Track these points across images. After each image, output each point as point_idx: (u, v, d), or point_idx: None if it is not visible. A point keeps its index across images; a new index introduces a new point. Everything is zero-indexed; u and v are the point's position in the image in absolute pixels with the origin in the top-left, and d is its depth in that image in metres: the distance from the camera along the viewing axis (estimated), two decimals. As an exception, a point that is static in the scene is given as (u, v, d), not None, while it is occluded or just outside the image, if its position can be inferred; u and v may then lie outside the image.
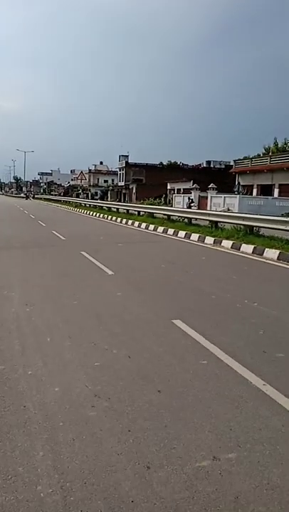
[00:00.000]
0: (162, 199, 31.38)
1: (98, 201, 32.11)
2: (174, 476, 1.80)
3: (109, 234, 12.71)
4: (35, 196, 62.69)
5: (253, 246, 8.39)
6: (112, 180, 57.16)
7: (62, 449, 1.97)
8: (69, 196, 48.35)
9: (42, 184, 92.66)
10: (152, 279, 5.85)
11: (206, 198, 23.25)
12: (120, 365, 2.87)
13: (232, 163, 31.15)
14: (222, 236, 9.95)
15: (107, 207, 23.82)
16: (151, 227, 13.63)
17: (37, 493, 1.70)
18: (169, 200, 31.69)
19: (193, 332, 3.52)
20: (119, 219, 17.39)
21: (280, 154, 26.24)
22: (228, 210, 18.80)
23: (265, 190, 24.70)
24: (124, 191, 45.23)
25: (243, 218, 10.13)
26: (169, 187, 35.77)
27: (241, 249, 8.63)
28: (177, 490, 1.72)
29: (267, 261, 7.55)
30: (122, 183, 46.14)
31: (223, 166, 40.61)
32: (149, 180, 41.07)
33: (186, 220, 13.47)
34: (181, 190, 31.56)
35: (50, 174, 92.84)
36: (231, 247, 8.95)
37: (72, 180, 64.83)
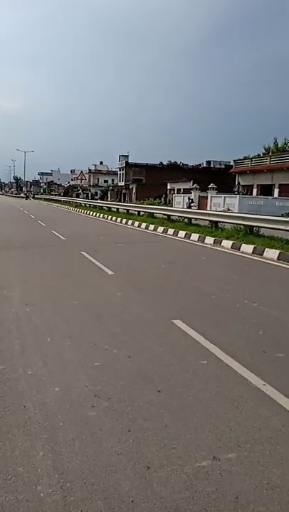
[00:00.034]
0: (162, 199, 31.38)
1: (98, 201, 32.11)
2: (174, 476, 1.80)
3: (109, 234, 12.71)
4: (35, 196, 62.70)
5: (253, 246, 8.39)
6: (112, 180, 57.16)
7: (62, 449, 1.97)
8: (69, 196, 48.35)
9: (42, 184, 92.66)
10: (152, 279, 5.85)
11: (206, 198, 23.25)
12: (120, 365, 2.87)
13: (232, 163, 31.15)
14: (222, 236, 9.95)
15: (107, 207, 23.82)
16: (151, 227, 13.63)
17: (37, 493, 1.70)
18: (169, 200, 31.69)
19: (193, 332, 3.52)
20: (119, 219, 17.39)
21: (280, 154, 26.24)
22: (228, 210, 18.80)
23: (265, 190, 24.70)
24: (124, 191, 45.23)
25: (243, 218, 10.13)
26: (169, 187, 35.78)
27: (241, 249, 8.63)
28: (177, 490, 1.72)
29: (267, 261, 7.55)
30: (122, 183, 46.14)
31: (223, 166, 40.61)
32: (149, 180, 41.08)
33: (186, 220, 13.47)
34: (181, 190, 31.56)
35: (50, 174, 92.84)
36: (231, 247, 8.95)
37: (72, 180, 64.84)
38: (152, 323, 3.81)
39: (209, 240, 10.00)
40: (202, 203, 23.55)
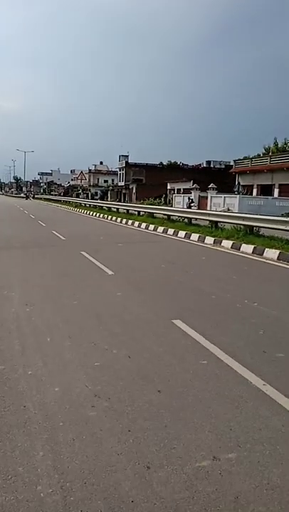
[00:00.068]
0: (162, 199, 31.38)
1: (98, 201, 32.10)
2: (174, 476, 1.80)
3: (109, 234, 12.71)
4: (35, 196, 62.69)
5: (253, 246, 8.39)
6: (112, 180, 57.17)
7: (62, 449, 1.97)
8: (69, 196, 48.34)
9: (42, 184, 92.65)
10: (152, 279, 5.85)
11: (206, 198, 23.25)
12: (120, 365, 2.87)
13: (232, 163, 31.15)
14: (222, 236, 9.95)
15: (107, 207, 23.82)
16: (151, 227, 13.63)
17: (37, 493, 1.70)
18: (169, 200, 31.69)
19: (193, 332, 3.52)
20: (119, 219, 17.39)
21: (280, 154, 26.24)
22: (228, 210, 18.80)
23: (265, 190, 24.70)
24: (124, 191, 45.24)
25: (243, 218, 10.13)
26: (169, 187, 35.78)
27: (241, 249, 8.63)
28: (177, 490, 1.72)
29: (267, 261, 7.55)
30: (122, 183, 46.14)
31: (223, 166, 40.62)
32: (149, 180, 41.08)
33: (186, 220, 13.47)
34: (181, 190, 31.56)
35: (50, 174, 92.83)
36: (231, 247, 8.95)
37: (72, 180, 64.83)
38: (152, 323, 3.81)
39: (209, 239, 10.00)
40: (202, 203, 23.55)
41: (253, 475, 1.82)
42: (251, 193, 25.49)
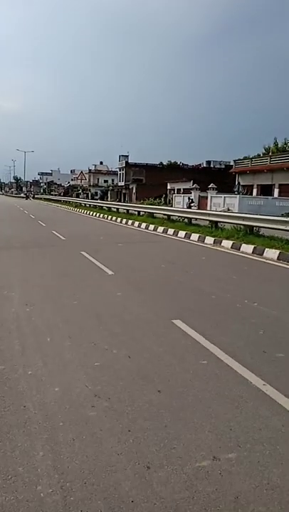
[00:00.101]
0: (162, 199, 31.38)
1: (98, 201, 32.10)
2: (174, 476, 1.80)
3: (109, 234, 12.71)
4: (35, 196, 62.68)
5: (253, 246, 8.39)
6: (112, 180, 57.18)
7: (62, 449, 1.97)
8: (69, 196, 48.35)
9: (42, 184, 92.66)
10: (152, 279, 5.85)
11: (206, 198, 23.25)
12: (120, 365, 2.87)
13: (232, 163, 31.15)
14: (222, 236, 9.95)
15: (107, 207, 23.83)
16: (151, 227, 13.63)
17: (37, 493, 1.70)
18: (169, 200, 31.69)
19: (193, 332, 3.52)
20: (119, 219, 17.39)
21: (280, 154, 26.25)
22: (228, 210, 18.80)
23: (265, 190, 24.70)
24: (124, 191, 45.24)
25: (243, 218, 10.13)
26: (169, 187, 35.78)
27: (241, 249, 8.63)
28: (177, 490, 1.72)
29: (267, 261, 7.55)
30: (122, 183, 46.14)
31: (223, 166, 40.63)
32: (149, 180, 41.09)
33: (186, 220, 13.47)
34: (181, 190, 31.56)
35: (50, 174, 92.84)
36: (231, 247, 8.95)
37: (72, 180, 64.84)
38: (152, 323, 3.81)
39: (209, 239, 10.00)
40: (202, 203, 23.55)
41: (253, 475, 1.82)
42: (251, 193, 25.49)
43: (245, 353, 3.09)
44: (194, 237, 10.70)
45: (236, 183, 27.61)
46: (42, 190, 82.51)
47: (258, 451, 1.97)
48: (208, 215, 12.38)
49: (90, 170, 60.79)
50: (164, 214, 15.30)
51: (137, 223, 15.10)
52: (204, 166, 44.17)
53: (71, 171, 73.91)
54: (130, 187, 42.96)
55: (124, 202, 36.41)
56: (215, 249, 9.17)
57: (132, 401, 2.39)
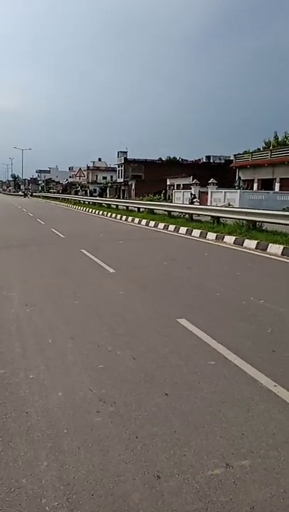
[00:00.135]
0: (162, 195, 31.20)
1: (97, 198, 31.91)
2: (186, 486, 1.71)
3: (109, 231, 12.60)
4: (34, 194, 62.36)
5: (256, 241, 8.28)
6: (111, 176, 56.88)
7: (67, 458, 1.88)
8: (67, 194, 48.10)
9: (40, 182, 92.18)
10: (154, 277, 5.75)
11: (207, 193, 23.07)
12: (125, 367, 2.78)
13: (232, 158, 30.91)
14: (224, 232, 9.83)
15: (106, 204, 23.66)
16: (152, 223, 13.50)
17: (42, 506, 1.61)
18: (169, 195, 31.50)
19: (198, 331, 3.42)
20: (118, 216, 17.26)
21: (280, 148, 26.04)
22: (229, 205, 18.64)
23: (266, 185, 24.53)
24: (123, 188, 45.00)
25: (246, 213, 9.99)
26: (168, 183, 35.56)
27: (244, 244, 8.52)
28: (189, 501, 1.63)
29: (271, 256, 7.44)
30: (121, 180, 45.90)
31: (223, 161, 40.39)
32: (148, 176, 40.84)
33: (187, 216, 13.34)
34: (181, 185, 31.36)
35: (48, 172, 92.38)
36: (234, 243, 8.84)
37: (70, 177, 64.50)
38: (156, 323, 3.71)
39: (211, 235, 9.88)
40: (202, 199, 23.37)
41: (269, 483, 1.73)
42: (252, 188, 25.32)
43: (253, 352, 3.00)
44: (196, 233, 10.58)
45: (237, 177, 27.42)
46: (40, 188, 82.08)
47: (273, 458, 1.88)
48: (210, 210, 12.24)
49: (88, 167, 60.47)
50: (165, 210, 15.16)
51: (137, 220, 14.96)
52: (204, 161, 43.95)
53: (69, 168, 73.56)
54: (129, 183, 42.72)
55: (123, 198, 36.20)
56: (217, 245, 9.06)
57: (139, 405, 2.30)
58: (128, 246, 9.20)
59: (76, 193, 42.10)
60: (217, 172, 29.22)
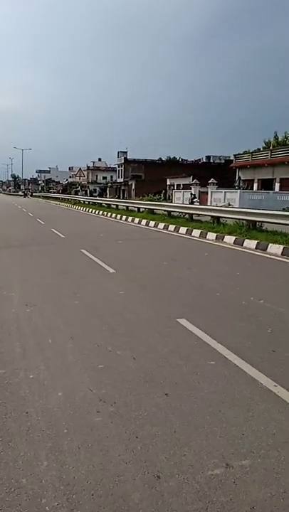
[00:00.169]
0: (162, 195, 31.19)
1: (97, 198, 31.92)
2: (186, 486, 1.71)
3: (109, 231, 12.60)
4: (34, 194, 62.35)
5: (256, 241, 8.28)
6: (111, 176, 56.88)
7: (67, 458, 1.88)
8: (67, 193, 48.10)
9: (40, 182, 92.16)
10: (154, 277, 5.75)
11: (206, 193, 23.07)
12: (125, 366, 2.78)
13: (232, 158, 30.91)
14: (224, 232, 9.83)
15: (106, 204, 23.66)
16: (152, 223, 13.50)
17: (42, 506, 1.61)
18: (169, 195, 31.50)
19: (198, 331, 3.42)
20: (118, 216, 17.26)
21: (280, 148, 26.03)
22: (229, 205, 18.64)
23: (266, 185, 24.53)
24: (123, 188, 45.00)
25: (246, 213, 9.99)
26: (168, 183, 35.56)
27: (244, 244, 8.52)
28: (190, 501, 1.63)
29: (271, 256, 7.44)
30: (121, 180, 45.90)
31: (222, 161, 40.39)
32: (148, 176, 40.85)
33: (187, 216, 13.33)
34: (181, 185, 31.36)
35: (48, 172, 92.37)
36: (234, 243, 8.84)
37: (70, 177, 64.50)
38: (156, 323, 3.71)
39: (211, 235, 9.88)
40: (202, 199, 23.37)
41: (269, 483, 1.73)
42: (252, 188, 25.32)
43: (253, 352, 3.00)
44: (196, 233, 10.58)
45: (237, 177, 27.41)
46: (40, 188, 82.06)
47: (273, 458, 1.88)
48: (210, 210, 12.24)
49: (88, 167, 60.48)
50: (165, 210, 15.16)
51: (137, 220, 14.96)
52: (204, 161, 43.95)
53: (69, 168, 73.56)
54: (129, 183, 42.72)
55: (123, 198, 36.20)
56: (217, 245, 9.06)
57: (139, 405, 2.30)
58: (128, 246, 9.20)
59: (76, 193, 42.10)
60: (217, 172, 29.22)
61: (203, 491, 1.69)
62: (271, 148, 27.96)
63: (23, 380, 2.61)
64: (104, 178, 58.67)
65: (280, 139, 33.83)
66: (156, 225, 13.08)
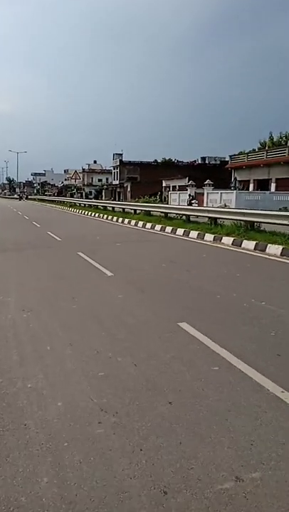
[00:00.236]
0: (158, 197, 31.15)
1: (93, 200, 31.79)
2: (195, 502, 1.62)
3: (106, 233, 12.50)
4: (29, 197, 62.05)
5: (254, 242, 8.23)
6: (107, 179, 56.78)
7: (68, 474, 1.79)
8: (63, 196, 47.91)
9: (35, 185, 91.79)
10: (153, 280, 5.67)
11: (203, 194, 23.08)
12: (126, 374, 2.69)
13: (227, 159, 30.98)
14: (222, 233, 9.78)
15: (102, 206, 23.57)
16: (149, 225, 13.43)
17: (42, 528, 1.51)
18: (165, 197, 31.47)
19: (200, 335, 3.34)
20: (115, 218, 17.17)
21: (276, 148, 26.14)
22: (225, 206, 18.64)
23: (262, 185, 24.60)
24: (118, 190, 44.93)
25: (243, 214, 9.96)
26: (164, 184, 35.55)
27: (242, 245, 8.47)
28: (199, 518, 1.55)
29: (270, 257, 7.40)
30: (117, 182, 45.82)
31: (218, 162, 40.48)
32: (144, 178, 40.83)
33: (184, 217, 13.28)
34: (177, 187, 31.37)
35: (44, 174, 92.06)
36: (232, 244, 8.79)
37: (66, 180, 64.28)
38: (157, 327, 3.63)
39: (209, 237, 9.83)
40: (199, 200, 23.36)
41: (282, 497, 1.65)
42: (248, 188, 25.37)
43: (258, 357, 2.92)
44: (193, 234, 10.53)
45: (233, 178, 27.47)
46: (35, 191, 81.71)
47: (284, 469, 1.80)
48: (208, 211, 12.20)
49: (83, 169, 60.31)
50: (162, 212, 15.10)
51: (133, 222, 14.88)
52: (199, 162, 44.03)
53: (65, 171, 73.31)
54: (125, 185, 42.66)
55: (119, 200, 36.13)
56: (215, 246, 9.01)
57: (142, 415, 2.21)
58: (125, 248, 9.11)
59: (72, 196, 41.89)
60: (212, 173, 29.25)
61: (212, 506, 1.60)
62: (267, 148, 28.08)
63: (20, 389, 2.51)
64: (100, 180, 58.55)
65: (275, 140, 33.99)
66: (153, 227, 13.01)
